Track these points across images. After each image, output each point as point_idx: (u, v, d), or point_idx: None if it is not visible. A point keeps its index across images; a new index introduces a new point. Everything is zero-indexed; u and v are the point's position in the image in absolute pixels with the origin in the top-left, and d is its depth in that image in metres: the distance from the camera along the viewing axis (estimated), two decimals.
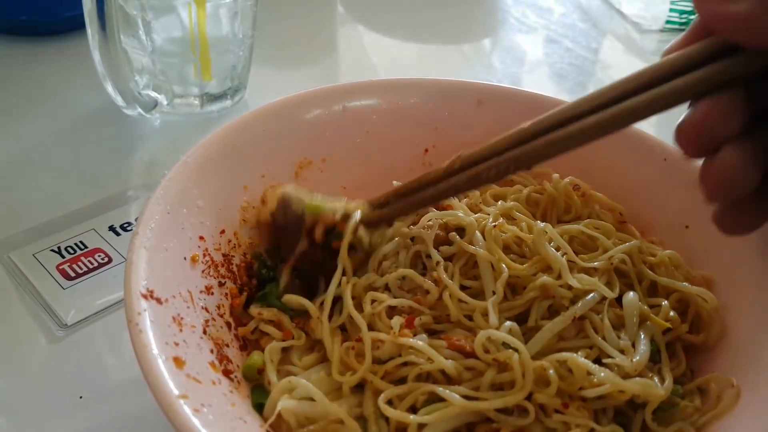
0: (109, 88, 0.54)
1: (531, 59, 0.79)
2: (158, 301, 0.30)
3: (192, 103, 0.59)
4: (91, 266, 0.44)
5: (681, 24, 0.84)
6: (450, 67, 0.76)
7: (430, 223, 0.39)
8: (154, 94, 0.56)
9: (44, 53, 0.67)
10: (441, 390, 0.31)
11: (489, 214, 0.40)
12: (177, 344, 0.29)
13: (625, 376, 0.33)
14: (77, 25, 0.60)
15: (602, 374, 0.32)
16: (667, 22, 0.83)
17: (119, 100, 0.55)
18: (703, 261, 0.40)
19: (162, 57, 0.56)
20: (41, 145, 0.56)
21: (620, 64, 0.79)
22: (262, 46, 0.65)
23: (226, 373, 0.31)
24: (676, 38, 0.29)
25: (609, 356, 0.34)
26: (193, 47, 0.56)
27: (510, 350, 0.32)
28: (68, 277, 0.43)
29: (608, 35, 0.84)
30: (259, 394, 0.32)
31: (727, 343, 0.37)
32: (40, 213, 0.48)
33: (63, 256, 0.45)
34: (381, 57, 0.77)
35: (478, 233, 0.38)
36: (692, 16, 0.84)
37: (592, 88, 0.73)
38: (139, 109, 0.55)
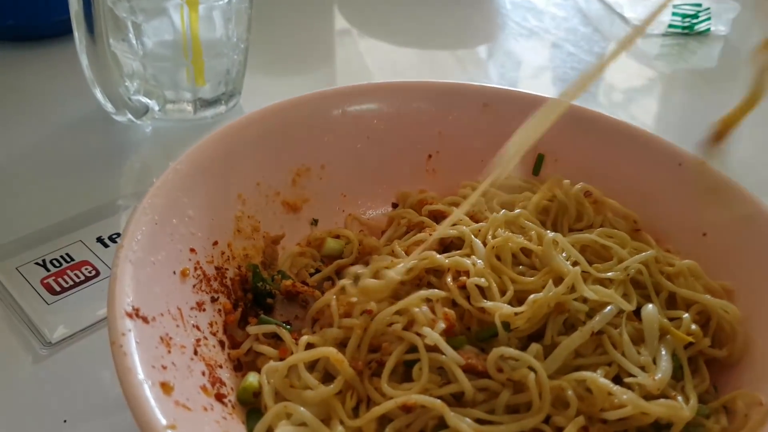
0: (98, 94, 0.52)
1: (532, 64, 0.78)
2: (144, 320, 0.28)
3: (185, 108, 0.57)
4: (77, 280, 0.42)
5: (683, 28, 0.82)
6: (449, 73, 0.74)
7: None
8: (145, 100, 0.54)
9: (32, 58, 0.65)
10: (451, 416, 0.29)
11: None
12: (165, 367, 0.27)
13: (648, 395, 0.31)
14: (66, 30, 0.58)
15: (624, 396, 0.30)
16: (670, 26, 0.82)
17: (108, 106, 0.53)
18: (722, 270, 0.39)
19: (153, 61, 0.54)
20: (27, 153, 0.54)
21: (622, 68, 0.78)
22: (258, 51, 0.63)
23: (219, 397, 0.29)
24: None
25: (629, 373, 0.32)
26: (186, 51, 0.54)
27: (526, 369, 0.30)
28: (53, 292, 0.41)
29: (610, 39, 0.83)
30: (255, 420, 0.30)
31: (752, 357, 0.35)
32: (24, 224, 0.46)
33: (48, 270, 0.43)
34: (378, 62, 0.76)
35: (479, 244, 0.36)
36: (694, 20, 0.82)
37: (594, 91, 0.72)
38: (130, 116, 0.53)
